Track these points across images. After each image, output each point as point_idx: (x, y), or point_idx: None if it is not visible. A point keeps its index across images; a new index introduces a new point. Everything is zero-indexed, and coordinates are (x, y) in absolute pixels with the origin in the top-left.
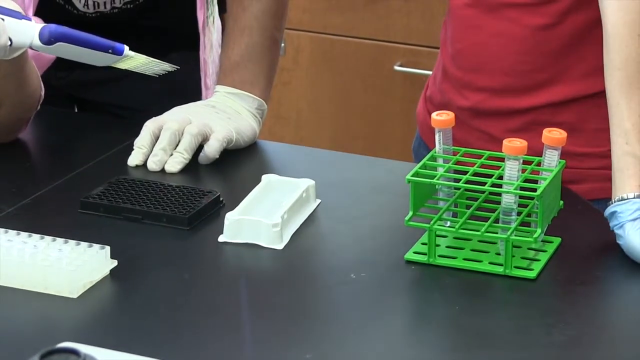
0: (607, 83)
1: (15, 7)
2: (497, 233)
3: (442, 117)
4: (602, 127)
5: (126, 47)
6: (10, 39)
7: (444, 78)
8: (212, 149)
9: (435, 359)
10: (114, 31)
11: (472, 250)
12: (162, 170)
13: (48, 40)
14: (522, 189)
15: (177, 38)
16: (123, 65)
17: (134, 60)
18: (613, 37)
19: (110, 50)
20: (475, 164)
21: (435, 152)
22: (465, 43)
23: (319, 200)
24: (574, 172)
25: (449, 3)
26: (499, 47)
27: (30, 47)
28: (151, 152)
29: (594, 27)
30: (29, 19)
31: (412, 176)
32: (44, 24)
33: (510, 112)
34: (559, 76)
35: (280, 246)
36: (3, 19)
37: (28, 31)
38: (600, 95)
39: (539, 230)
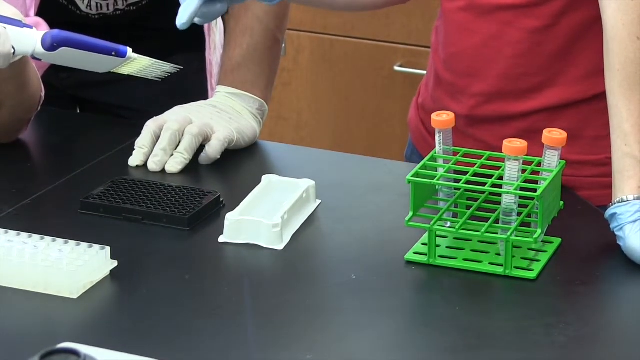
0: (607, 84)
1: (17, 15)
2: (497, 233)
3: (442, 118)
4: (599, 134)
5: (129, 49)
6: (13, 47)
7: (436, 85)
8: (213, 149)
9: (436, 359)
10: (117, 33)
11: (472, 250)
12: (163, 171)
13: (51, 46)
14: (522, 189)
15: (180, 39)
16: (125, 70)
17: (137, 63)
18: (612, 38)
19: (113, 53)
20: (476, 164)
21: (436, 153)
22: (458, 47)
23: (319, 201)
24: (571, 179)
25: (441, 7)
26: (494, 51)
27: (33, 56)
28: (152, 152)
29: (590, 28)
30: (30, 27)
31: (412, 176)
32: (45, 31)
33: (505, 117)
34: (555, 79)
35: (280, 246)
36: (5, 27)
37: (30, 39)
38: (597, 100)
39: (539, 231)
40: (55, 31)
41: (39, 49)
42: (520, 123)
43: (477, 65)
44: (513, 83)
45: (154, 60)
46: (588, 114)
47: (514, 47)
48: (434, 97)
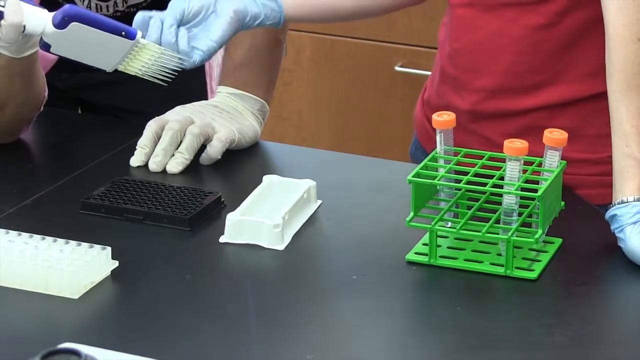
0: (608, 85)
1: None
2: (498, 234)
3: (443, 118)
4: (600, 133)
5: (139, 32)
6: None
7: (441, 80)
8: (214, 150)
9: (436, 359)
10: None
11: (473, 250)
12: (164, 171)
13: (62, 20)
14: (523, 189)
15: None
16: (134, 65)
17: (145, 53)
18: (613, 38)
19: (123, 33)
20: (476, 164)
21: (436, 153)
22: (462, 42)
23: (320, 201)
24: (571, 178)
25: (448, 2)
26: (496, 47)
27: (43, 39)
28: (153, 152)
29: (592, 27)
30: (42, 7)
31: (413, 177)
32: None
33: (507, 114)
34: (557, 77)
35: (281, 247)
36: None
37: (41, 18)
38: (598, 99)
39: (540, 231)
40: (67, 5)
41: (49, 28)
42: (522, 120)
43: (480, 60)
44: (515, 79)
45: (163, 49)
46: (590, 112)
47: (517, 44)
48: (439, 93)
